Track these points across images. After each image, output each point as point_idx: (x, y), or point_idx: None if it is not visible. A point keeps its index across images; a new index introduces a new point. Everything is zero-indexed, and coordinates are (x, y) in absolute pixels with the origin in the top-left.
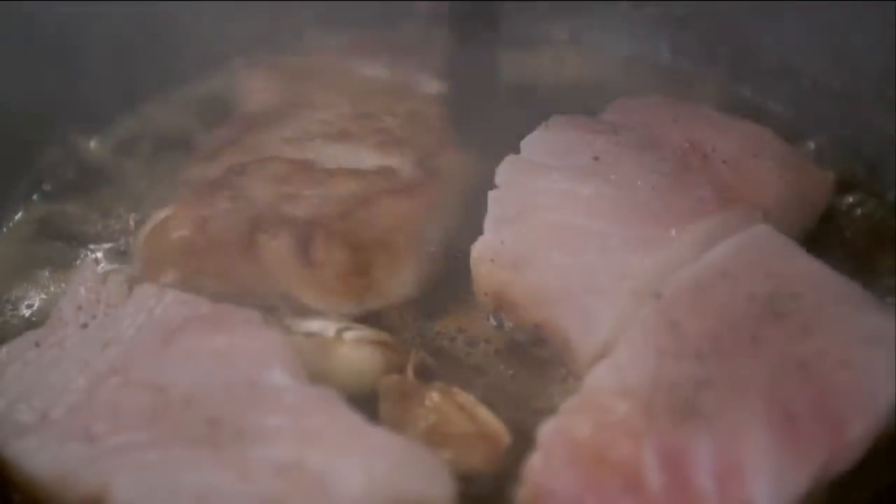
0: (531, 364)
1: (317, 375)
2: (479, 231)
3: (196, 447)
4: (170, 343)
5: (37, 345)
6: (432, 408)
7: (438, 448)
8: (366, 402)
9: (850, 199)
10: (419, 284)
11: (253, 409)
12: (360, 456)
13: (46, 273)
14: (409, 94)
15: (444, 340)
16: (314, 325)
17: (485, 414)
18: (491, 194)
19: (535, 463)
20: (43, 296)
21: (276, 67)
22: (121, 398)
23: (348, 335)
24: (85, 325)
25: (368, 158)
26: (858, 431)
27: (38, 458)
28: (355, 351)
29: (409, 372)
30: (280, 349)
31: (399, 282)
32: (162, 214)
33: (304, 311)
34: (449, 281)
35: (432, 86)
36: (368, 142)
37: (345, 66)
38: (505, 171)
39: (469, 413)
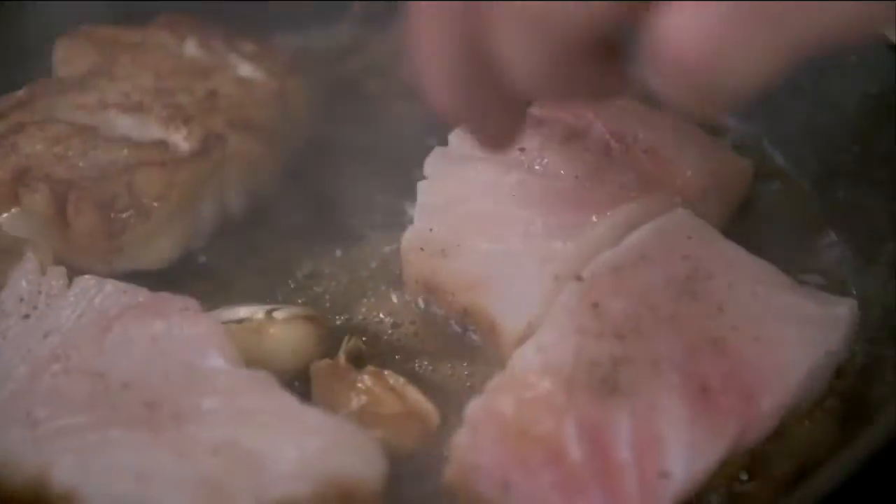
0: (460, 347)
1: (253, 360)
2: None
3: (134, 429)
4: (109, 330)
5: None
6: (364, 390)
7: (370, 428)
8: (302, 385)
9: (771, 187)
10: (175, 255)
11: (189, 392)
12: (294, 434)
13: None
14: (213, 75)
15: (374, 325)
16: (242, 310)
17: (415, 395)
18: (420, 184)
19: (462, 439)
20: None
21: (91, 38)
22: (62, 384)
23: (277, 314)
24: (27, 316)
25: (152, 131)
26: (770, 403)
27: None
28: (286, 329)
29: (342, 357)
30: (215, 335)
31: (153, 249)
32: None
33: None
34: (378, 269)
35: (242, 69)
36: (157, 116)
37: (160, 42)
38: (433, 163)
39: (399, 394)
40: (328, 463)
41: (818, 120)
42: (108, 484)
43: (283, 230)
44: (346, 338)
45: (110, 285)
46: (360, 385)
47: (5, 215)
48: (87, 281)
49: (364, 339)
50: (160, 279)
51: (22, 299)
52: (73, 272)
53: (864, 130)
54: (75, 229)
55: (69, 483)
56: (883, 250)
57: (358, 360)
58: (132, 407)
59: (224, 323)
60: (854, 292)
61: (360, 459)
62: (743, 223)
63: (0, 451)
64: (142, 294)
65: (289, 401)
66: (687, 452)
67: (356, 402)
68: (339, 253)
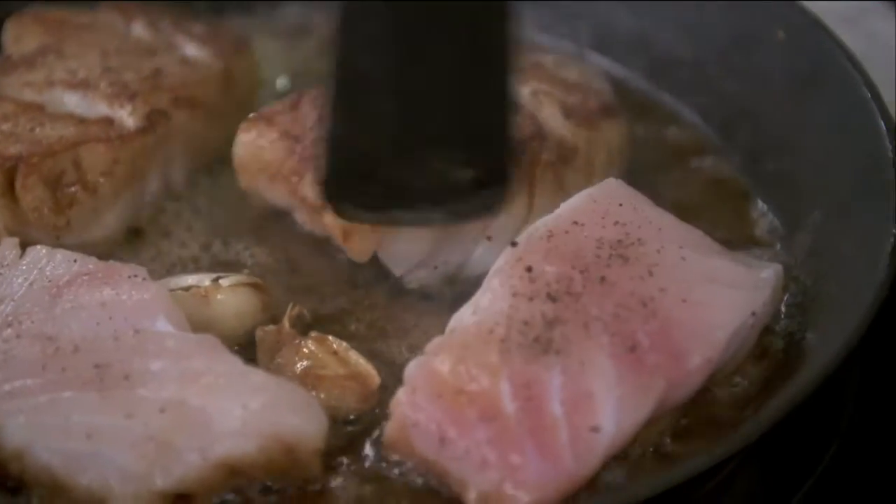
0: (401, 311)
1: (200, 325)
2: None
3: (85, 390)
4: (59, 297)
5: None
6: (307, 354)
7: (313, 390)
8: (247, 351)
9: (703, 162)
10: (121, 228)
11: (138, 355)
12: (238, 394)
13: None
14: (159, 55)
15: (315, 294)
16: (190, 278)
17: (356, 358)
18: None
19: (401, 397)
20: None
21: (41, 18)
22: (13, 348)
23: (223, 282)
24: None
25: (97, 108)
26: (696, 362)
27: None
28: (232, 295)
29: (286, 322)
30: (163, 300)
31: (98, 223)
32: None
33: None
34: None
35: (188, 49)
36: (102, 93)
37: (108, 23)
38: None
39: (342, 358)
40: (271, 420)
41: (748, 96)
42: (60, 442)
43: (226, 203)
44: (291, 305)
45: (60, 255)
46: (304, 350)
47: None
48: (38, 251)
49: (306, 307)
50: (107, 251)
51: None
52: (24, 245)
53: (792, 105)
54: (23, 204)
55: (21, 441)
56: (809, 219)
57: (302, 327)
58: (82, 369)
59: (171, 290)
60: (781, 258)
61: (303, 417)
62: (678, 195)
63: None
64: (91, 262)
65: (233, 362)
66: (616, 408)
67: (300, 365)
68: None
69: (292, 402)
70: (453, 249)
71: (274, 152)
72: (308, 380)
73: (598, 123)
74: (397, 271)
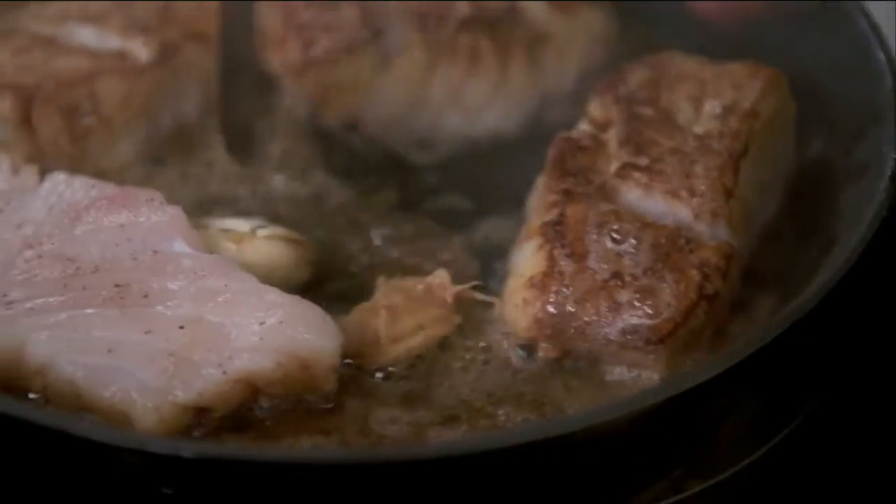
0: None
1: None
2: None
3: (105, 307)
4: (79, 220)
5: None
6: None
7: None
8: None
9: None
10: (137, 158)
11: (156, 275)
12: (255, 311)
13: None
14: None
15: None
16: (229, 222)
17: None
18: None
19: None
20: None
21: None
22: (35, 268)
23: (261, 232)
24: (0, 211)
25: (110, 42)
26: None
27: None
28: (267, 246)
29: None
30: (179, 223)
31: (113, 154)
32: None
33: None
34: None
35: None
36: (115, 26)
37: None
38: None
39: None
40: (287, 336)
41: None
42: (82, 356)
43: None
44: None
45: (79, 181)
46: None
47: None
48: (57, 177)
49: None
50: (124, 182)
51: None
52: (41, 175)
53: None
54: (40, 134)
55: (44, 356)
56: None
57: None
58: (103, 288)
59: (208, 229)
60: None
61: (318, 334)
62: None
63: None
64: (109, 187)
65: (249, 280)
66: None
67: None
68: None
69: (308, 319)
70: (426, 114)
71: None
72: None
73: (577, 11)
74: (372, 132)
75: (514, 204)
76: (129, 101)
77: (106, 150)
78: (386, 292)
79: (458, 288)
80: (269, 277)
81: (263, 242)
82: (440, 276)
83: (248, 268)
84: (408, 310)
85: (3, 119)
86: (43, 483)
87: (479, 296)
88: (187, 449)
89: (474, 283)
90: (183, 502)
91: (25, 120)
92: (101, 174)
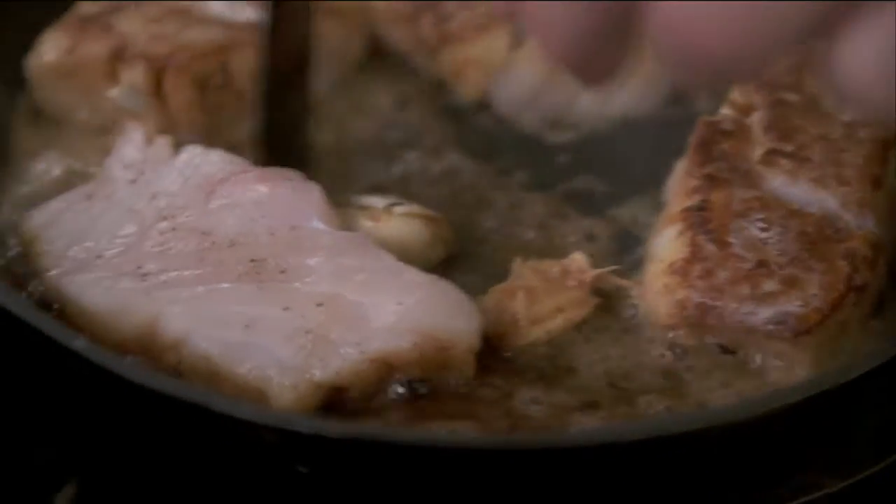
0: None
1: None
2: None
3: (242, 283)
4: (214, 194)
5: (89, 197)
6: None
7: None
8: None
9: None
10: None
11: (293, 251)
12: (394, 290)
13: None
14: None
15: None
16: (365, 199)
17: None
18: None
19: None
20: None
21: None
22: (169, 241)
23: (398, 209)
24: (133, 181)
25: (243, 13)
26: None
27: (95, 292)
28: (404, 223)
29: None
30: (317, 200)
31: (244, 128)
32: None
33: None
34: None
35: None
36: None
37: None
38: None
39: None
40: (426, 318)
41: None
42: (218, 331)
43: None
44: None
45: (215, 154)
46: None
47: (116, 90)
48: (193, 149)
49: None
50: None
51: (128, 166)
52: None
53: None
54: (172, 105)
55: (180, 330)
56: None
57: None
58: (239, 263)
59: (343, 206)
60: None
61: (457, 316)
62: None
63: (112, 300)
64: (246, 163)
65: (388, 259)
66: None
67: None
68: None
69: (447, 300)
70: (559, 94)
71: None
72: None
73: None
74: (504, 111)
75: (648, 186)
76: None
77: (237, 124)
78: (522, 274)
79: (597, 271)
80: (404, 255)
81: (400, 219)
82: (577, 259)
83: (384, 245)
84: (546, 292)
85: (136, 89)
86: (175, 456)
87: (618, 280)
88: (332, 429)
89: (613, 267)
90: (316, 481)
91: (157, 90)
92: (231, 148)
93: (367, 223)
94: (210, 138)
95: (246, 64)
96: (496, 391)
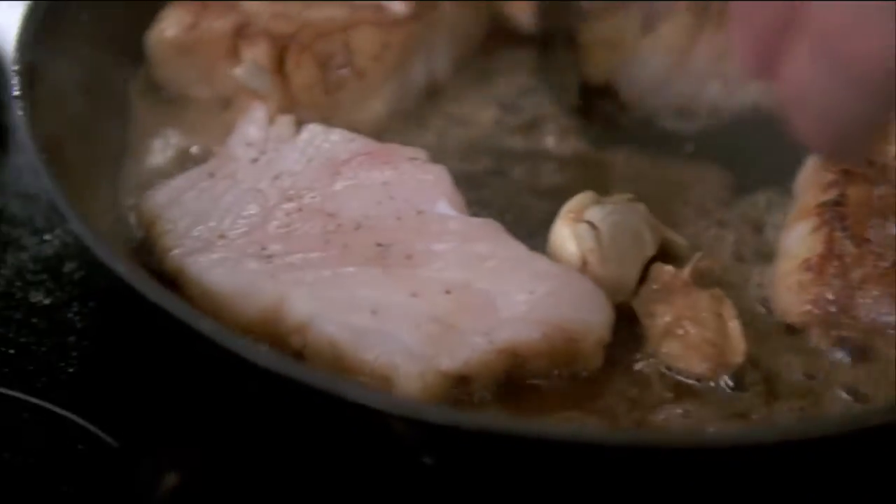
0: None
1: None
2: None
3: (368, 267)
4: (339, 174)
5: (210, 175)
6: (691, 305)
7: (667, 338)
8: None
9: None
10: (388, 115)
11: (420, 236)
12: (524, 280)
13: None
14: None
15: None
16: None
17: (737, 332)
18: None
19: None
20: None
21: None
22: (294, 222)
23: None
24: (255, 160)
25: None
26: None
27: (219, 273)
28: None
29: (687, 271)
30: (445, 183)
31: (365, 107)
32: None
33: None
34: None
35: None
36: None
37: None
38: None
39: (722, 324)
40: (557, 308)
41: None
42: (345, 315)
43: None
44: (699, 255)
45: (338, 133)
46: (693, 301)
47: (237, 68)
48: (315, 128)
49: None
50: (374, 135)
51: (250, 144)
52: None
53: None
54: (294, 83)
55: (306, 313)
56: None
57: (700, 280)
58: (365, 247)
59: None
60: None
61: (589, 307)
62: None
63: (236, 281)
64: (370, 143)
65: (518, 248)
66: None
67: (674, 312)
68: None
69: (579, 291)
70: (687, 82)
71: None
72: (671, 326)
73: None
74: (628, 96)
75: (774, 180)
76: (384, 53)
77: (358, 104)
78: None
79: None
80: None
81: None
82: (704, 259)
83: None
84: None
85: (259, 67)
86: (293, 443)
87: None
88: (467, 421)
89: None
90: (440, 472)
91: (280, 68)
92: (352, 128)
93: None
94: (330, 118)
95: (368, 43)
96: (624, 385)
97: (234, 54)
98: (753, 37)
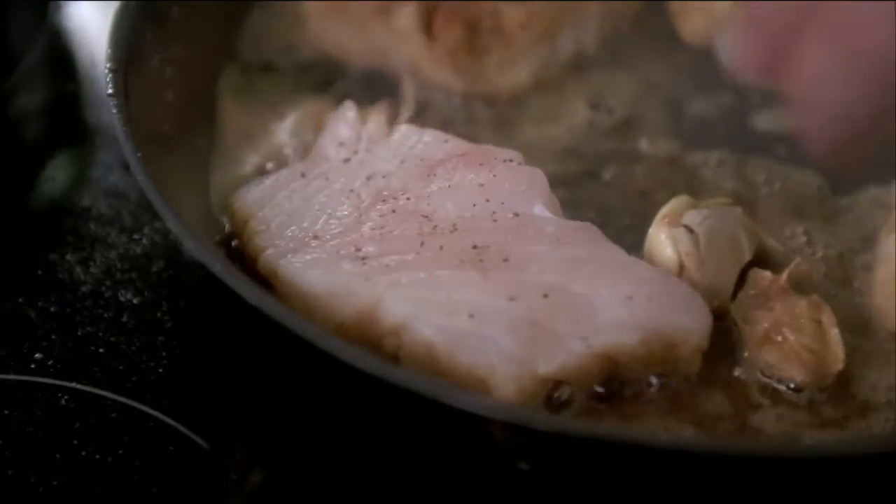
0: None
1: None
2: None
3: (464, 269)
4: (433, 176)
5: (302, 175)
6: (789, 312)
7: (766, 345)
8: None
9: None
10: (532, 83)
11: (517, 238)
12: (622, 284)
13: None
14: None
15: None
16: None
17: (836, 338)
18: None
19: None
20: None
21: None
22: (388, 223)
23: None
24: (347, 160)
25: None
26: None
27: (313, 274)
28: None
29: (785, 276)
30: (540, 186)
31: (510, 74)
32: None
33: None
34: None
35: None
36: None
37: None
38: None
39: (822, 331)
40: (656, 314)
41: None
42: (442, 318)
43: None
44: (797, 260)
45: (430, 133)
46: (791, 308)
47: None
48: (407, 128)
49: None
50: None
51: (342, 144)
52: (430, 88)
53: None
54: (440, 43)
55: (402, 315)
56: None
57: (798, 286)
58: (461, 249)
59: None
60: None
61: (688, 313)
62: None
63: (331, 281)
64: (464, 144)
65: (617, 252)
66: None
67: (774, 319)
68: None
69: (678, 297)
70: None
71: None
72: (770, 333)
73: None
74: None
75: (872, 182)
76: (532, 21)
77: (503, 71)
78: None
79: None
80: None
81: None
82: (802, 264)
83: None
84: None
85: (408, 28)
86: (384, 447)
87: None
88: (573, 428)
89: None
90: (535, 478)
91: (428, 29)
92: (492, 94)
93: None
94: (474, 83)
95: (517, 10)
96: (721, 393)
97: (386, 12)
98: (764, 37)
